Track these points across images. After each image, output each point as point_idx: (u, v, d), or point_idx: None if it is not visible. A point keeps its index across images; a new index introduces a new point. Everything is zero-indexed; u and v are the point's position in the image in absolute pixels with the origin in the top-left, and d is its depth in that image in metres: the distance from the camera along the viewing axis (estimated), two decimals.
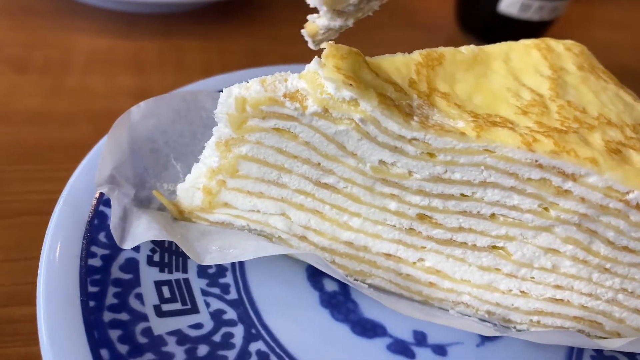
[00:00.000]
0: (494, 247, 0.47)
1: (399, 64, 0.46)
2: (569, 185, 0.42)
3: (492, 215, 0.45)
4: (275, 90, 0.42)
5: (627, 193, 0.42)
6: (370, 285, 0.51)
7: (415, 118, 0.42)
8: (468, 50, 0.50)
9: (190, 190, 0.49)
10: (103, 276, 0.44)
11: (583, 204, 0.43)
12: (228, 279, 0.49)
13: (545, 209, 0.44)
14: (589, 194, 0.43)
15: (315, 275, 0.51)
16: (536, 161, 0.42)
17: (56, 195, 0.49)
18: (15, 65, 0.82)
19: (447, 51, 0.50)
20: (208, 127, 0.47)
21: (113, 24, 0.95)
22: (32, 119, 0.73)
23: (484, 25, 1.07)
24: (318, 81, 0.42)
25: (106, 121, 0.74)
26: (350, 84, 0.41)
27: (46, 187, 0.63)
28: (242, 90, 0.43)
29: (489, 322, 0.50)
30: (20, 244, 0.56)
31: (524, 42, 0.54)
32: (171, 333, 0.43)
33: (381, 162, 0.44)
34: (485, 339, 0.49)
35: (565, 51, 0.55)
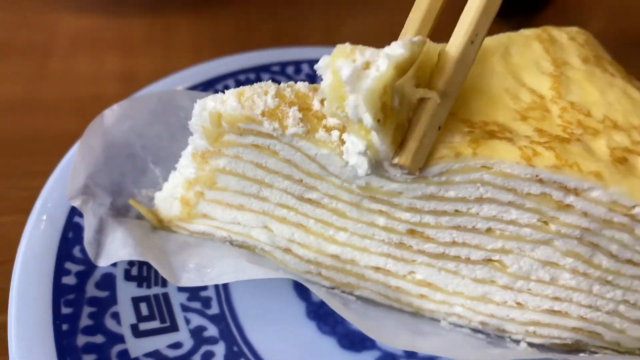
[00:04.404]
0: (489, 260, 0.45)
1: None
2: (570, 199, 0.40)
3: (488, 230, 0.43)
4: (252, 107, 0.39)
5: (633, 207, 0.39)
6: (358, 297, 0.48)
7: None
8: None
9: (169, 199, 0.47)
10: (78, 295, 0.43)
11: (585, 218, 0.40)
12: (210, 291, 0.47)
13: (545, 222, 0.42)
14: (592, 208, 0.40)
15: (301, 285, 0.49)
16: (536, 176, 0.39)
17: (37, 192, 0.47)
18: None
19: (440, 47, 0.46)
20: (187, 127, 0.44)
21: (98, 1, 0.90)
22: (14, 108, 0.69)
23: None
24: (342, 91, 0.34)
25: (92, 108, 0.70)
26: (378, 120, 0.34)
27: (28, 182, 0.59)
28: (217, 105, 0.39)
29: (482, 332, 0.48)
30: None
31: (525, 33, 0.50)
32: (149, 354, 0.42)
33: (369, 183, 0.41)
34: None
35: (569, 41, 0.51)
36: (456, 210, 0.42)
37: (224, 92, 0.62)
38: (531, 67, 0.47)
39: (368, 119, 0.33)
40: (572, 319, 0.46)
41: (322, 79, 0.35)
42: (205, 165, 0.43)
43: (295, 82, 0.41)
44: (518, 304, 0.46)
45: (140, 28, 0.86)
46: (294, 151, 0.40)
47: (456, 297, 0.47)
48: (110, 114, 0.49)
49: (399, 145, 0.37)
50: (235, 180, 0.44)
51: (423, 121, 0.37)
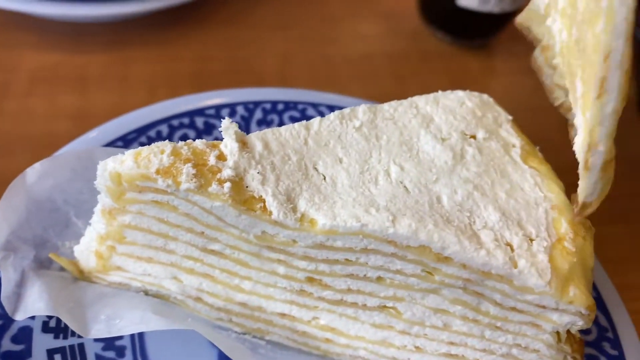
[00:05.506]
0: (384, 307, 0.47)
1: None
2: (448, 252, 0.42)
3: (379, 278, 0.45)
4: (148, 165, 0.41)
5: None
6: (269, 342, 0.51)
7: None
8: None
9: (85, 252, 0.49)
10: None
11: (465, 270, 0.43)
12: (125, 340, 0.48)
13: (430, 273, 0.44)
14: (469, 260, 0.42)
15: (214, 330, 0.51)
16: None
17: None
18: None
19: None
20: None
21: (60, 36, 0.90)
22: None
23: (446, 18, 1.04)
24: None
25: (44, 147, 0.72)
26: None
27: None
28: (116, 165, 0.42)
29: None
30: None
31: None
32: None
33: (264, 232, 0.43)
34: None
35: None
36: (346, 260, 0.44)
37: (156, 139, 0.64)
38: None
39: None
40: None
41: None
42: (113, 221, 0.46)
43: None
44: (417, 348, 0.49)
45: (98, 64, 0.86)
46: (191, 205, 0.43)
47: (358, 341, 0.49)
48: (32, 173, 0.51)
49: None
50: (142, 234, 0.46)
51: None
